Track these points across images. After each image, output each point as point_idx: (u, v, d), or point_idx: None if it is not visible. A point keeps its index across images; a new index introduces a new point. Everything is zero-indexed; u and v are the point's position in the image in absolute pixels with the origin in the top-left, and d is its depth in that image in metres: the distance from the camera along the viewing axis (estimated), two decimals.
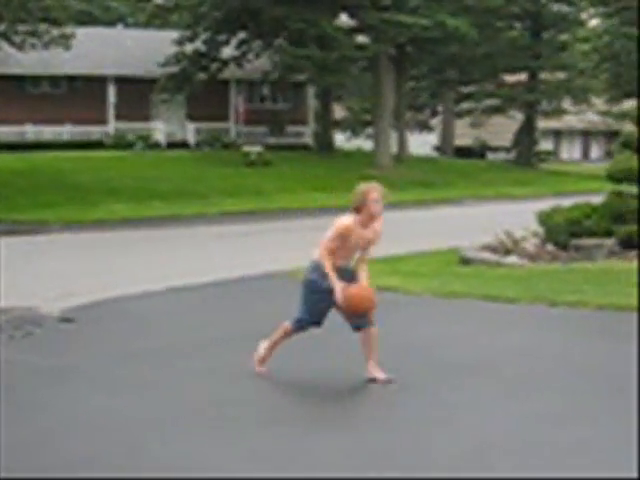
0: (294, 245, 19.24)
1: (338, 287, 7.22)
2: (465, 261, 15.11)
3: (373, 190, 7.28)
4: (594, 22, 51.50)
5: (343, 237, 7.28)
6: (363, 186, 7.38)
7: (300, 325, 7.54)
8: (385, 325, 9.91)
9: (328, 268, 7.26)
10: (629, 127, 16.81)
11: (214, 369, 7.99)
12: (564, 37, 49.91)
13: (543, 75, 50.78)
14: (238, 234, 22.00)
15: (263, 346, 7.70)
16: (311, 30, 36.19)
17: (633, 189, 15.77)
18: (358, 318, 7.39)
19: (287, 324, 7.58)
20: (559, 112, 54.62)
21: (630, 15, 20.63)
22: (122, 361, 8.32)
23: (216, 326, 10.06)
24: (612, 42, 19.79)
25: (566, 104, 55.30)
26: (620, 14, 20.29)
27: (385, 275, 12.76)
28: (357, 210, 7.28)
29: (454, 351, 8.59)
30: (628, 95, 19.67)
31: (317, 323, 7.53)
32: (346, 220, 7.31)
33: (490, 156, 60.61)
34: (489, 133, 63.75)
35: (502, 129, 60.63)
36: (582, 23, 50.40)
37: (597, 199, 16.52)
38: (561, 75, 50.29)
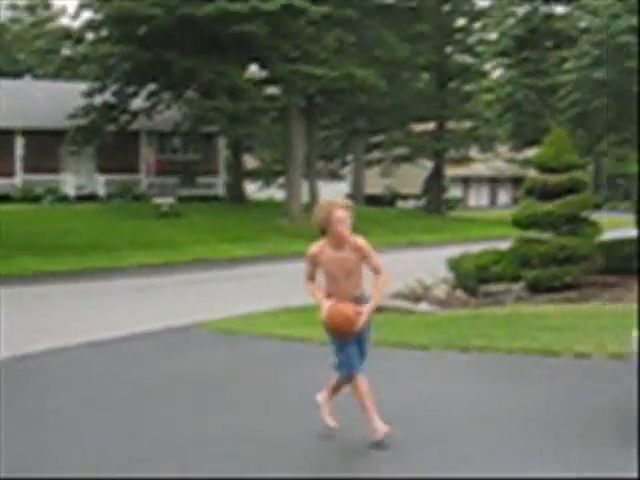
0: (208, 296, 19.17)
1: (324, 304, 6.73)
2: (377, 309, 15.22)
3: (336, 208, 6.64)
4: (497, 73, 52.98)
5: (314, 263, 6.80)
6: (324, 204, 6.74)
7: (342, 368, 6.95)
8: (299, 376, 9.92)
9: (311, 292, 6.88)
10: (533, 174, 17.29)
11: (118, 426, 7.88)
12: (469, 87, 51.24)
13: (450, 124, 51.96)
14: (150, 286, 21.80)
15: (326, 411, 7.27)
16: (221, 81, 36.39)
17: (539, 235, 16.20)
18: (342, 337, 6.80)
19: (333, 380, 7.18)
20: (467, 160, 55.91)
21: (530, 66, 21.34)
22: (18, 422, 8.15)
23: (123, 383, 9.93)
24: (514, 92, 20.48)
25: (473, 152, 56.61)
26: (521, 65, 21.02)
27: (299, 325, 12.80)
28: (323, 232, 6.69)
29: None
30: (531, 143, 20.40)
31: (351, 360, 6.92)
32: (313, 246, 6.82)
33: (400, 204, 61.49)
34: (399, 181, 64.76)
35: (412, 177, 61.65)
36: (486, 74, 51.81)
37: (505, 245, 16.91)
38: (467, 124, 51.53)
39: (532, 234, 16.28)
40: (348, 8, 37.51)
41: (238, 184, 44.91)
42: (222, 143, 46.74)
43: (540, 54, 19.19)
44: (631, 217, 19.51)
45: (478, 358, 10.48)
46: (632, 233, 18.86)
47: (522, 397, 8.52)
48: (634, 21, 15.78)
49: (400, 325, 13.24)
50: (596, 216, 17.34)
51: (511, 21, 19.13)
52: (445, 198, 54.62)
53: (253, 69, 43.56)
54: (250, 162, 54.59)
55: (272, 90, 42.06)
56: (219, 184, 46.27)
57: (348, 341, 6.83)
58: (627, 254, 16.77)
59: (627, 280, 15.67)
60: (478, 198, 73.53)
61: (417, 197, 57.17)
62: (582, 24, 17.53)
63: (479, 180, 72.75)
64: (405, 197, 62.92)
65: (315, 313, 15.18)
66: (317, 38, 37.59)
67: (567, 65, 16.67)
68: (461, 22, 51.58)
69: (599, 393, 8.47)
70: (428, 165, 54.33)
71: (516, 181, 64.57)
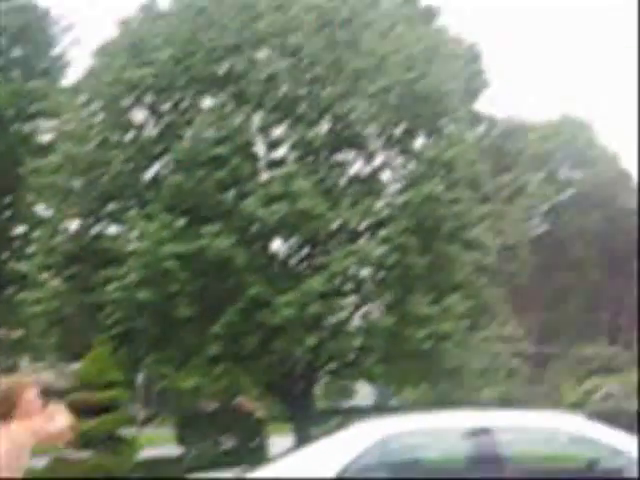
0: None
1: None
2: None
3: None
4: (53, 283, 52.40)
5: None
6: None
7: None
8: None
9: None
10: (75, 390, 17.32)
11: None
12: (23, 295, 49.96)
13: (1, 332, 50.22)
14: None
15: None
16: None
17: (76, 454, 15.97)
18: None
19: None
20: (16, 369, 54.03)
21: (79, 282, 21.81)
22: None
23: None
24: (61, 306, 20.98)
25: (25, 362, 54.83)
26: (71, 280, 21.53)
27: None
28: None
29: None
30: (76, 357, 20.76)
31: None
32: None
33: None
34: None
35: None
36: (42, 284, 51.04)
37: (44, 461, 16.44)
38: (19, 333, 50.11)
39: (69, 453, 16.01)
40: None
41: None
42: None
43: (89, 271, 19.83)
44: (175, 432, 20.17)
45: None
46: (172, 451, 19.34)
47: None
48: (177, 249, 16.79)
49: None
50: (148, 431, 17.61)
51: (61, 237, 19.62)
52: None
53: None
54: None
55: None
56: None
57: None
58: (166, 472, 17.09)
59: None
60: None
61: None
62: (131, 246, 18.39)
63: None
64: None
65: None
66: None
67: (113, 284, 17.24)
68: (21, 230, 51.00)
69: None
70: None
71: (68, 393, 63.59)
